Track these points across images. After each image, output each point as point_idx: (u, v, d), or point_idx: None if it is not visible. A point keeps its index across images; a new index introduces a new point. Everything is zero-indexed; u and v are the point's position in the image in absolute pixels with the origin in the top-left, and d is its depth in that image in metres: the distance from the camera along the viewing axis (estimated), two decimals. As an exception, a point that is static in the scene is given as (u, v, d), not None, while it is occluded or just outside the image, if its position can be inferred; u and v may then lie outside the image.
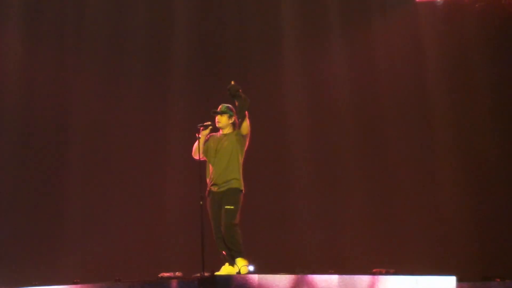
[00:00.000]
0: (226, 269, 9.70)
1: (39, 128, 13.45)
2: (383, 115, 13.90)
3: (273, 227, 13.39)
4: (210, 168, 10.00)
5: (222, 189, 9.83)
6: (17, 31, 13.56)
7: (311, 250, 13.19)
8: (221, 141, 9.98)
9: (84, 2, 13.85)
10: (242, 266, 9.53)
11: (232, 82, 9.83)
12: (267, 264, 10.29)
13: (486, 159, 13.80)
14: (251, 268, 9.73)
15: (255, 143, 13.55)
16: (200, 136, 9.95)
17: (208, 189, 9.92)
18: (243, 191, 9.90)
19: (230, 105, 10.02)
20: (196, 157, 10.03)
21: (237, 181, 9.83)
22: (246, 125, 9.94)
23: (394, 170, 13.75)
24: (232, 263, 9.64)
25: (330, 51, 14.03)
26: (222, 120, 10.05)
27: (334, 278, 8.96)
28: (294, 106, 13.90)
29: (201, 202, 9.71)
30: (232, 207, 9.68)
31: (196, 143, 9.96)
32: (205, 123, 10.03)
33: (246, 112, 9.86)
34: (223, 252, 9.74)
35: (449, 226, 13.47)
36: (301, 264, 11.49)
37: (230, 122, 10.04)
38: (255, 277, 9.05)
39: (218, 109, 10.07)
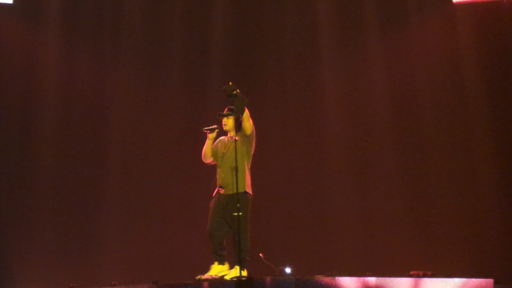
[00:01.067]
0: (216, 269, 9.77)
1: (78, 130, 13.51)
2: (421, 118, 13.80)
3: (309, 229, 13.37)
4: (218, 171, 10.06)
5: (228, 192, 9.87)
6: (55, 34, 13.64)
7: (347, 252, 13.15)
8: (227, 144, 10.02)
9: (122, 5, 13.91)
10: (234, 275, 9.56)
11: (230, 83, 9.81)
12: (303, 267, 10.29)
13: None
14: (288, 270, 9.75)
15: (292, 146, 13.66)
16: (207, 139, 10.02)
17: (216, 190, 9.97)
18: (251, 194, 9.93)
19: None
20: (205, 161, 10.10)
21: (243, 184, 9.84)
22: (248, 126, 9.97)
23: (432, 172, 13.66)
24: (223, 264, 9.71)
25: (367, 54, 13.98)
26: (229, 123, 10.13)
27: (371, 280, 8.96)
28: (331, 109, 13.87)
29: (238, 205, 9.74)
30: (241, 213, 9.69)
31: (204, 146, 10.02)
32: (210, 127, 10.08)
33: (247, 111, 9.83)
34: (261, 255, 9.78)
35: (488, 228, 13.36)
36: (338, 266, 11.50)
37: (237, 124, 10.08)
38: (292, 280, 9.07)
39: (224, 112, 10.12)
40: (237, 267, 9.56)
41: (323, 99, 13.90)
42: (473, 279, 9.29)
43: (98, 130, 13.60)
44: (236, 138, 9.84)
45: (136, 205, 13.39)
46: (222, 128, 10.21)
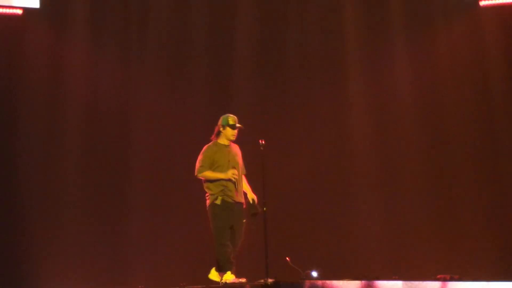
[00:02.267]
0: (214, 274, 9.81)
1: (104, 134, 13.58)
2: (447, 120, 13.78)
3: (335, 232, 13.35)
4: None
5: (242, 201, 9.93)
6: (81, 37, 13.72)
7: (374, 256, 13.13)
8: (230, 153, 9.99)
9: (147, 8, 13.95)
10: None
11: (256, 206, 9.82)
12: (330, 270, 10.27)
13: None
14: (315, 274, 9.75)
15: (318, 148, 13.64)
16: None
17: (232, 200, 9.90)
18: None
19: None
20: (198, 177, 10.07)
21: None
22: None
23: (458, 174, 13.61)
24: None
25: (393, 56, 13.95)
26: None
27: (398, 284, 8.94)
28: (356, 111, 13.85)
29: (264, 208, 9.75)
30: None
31: (212, 178, 9.90)
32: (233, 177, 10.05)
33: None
34: (287, 258, 9.78)
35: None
36: (365, 269, 11.48)
37: None
38: (319, 283, 9.06)
39: (237, 123, 10.07)
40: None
41: (348, 100, 13.88)
42: (505, 283, 9.25)
43: (124, 134, 13.66)
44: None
45: (163, 209, 13.41)
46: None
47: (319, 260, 9.98)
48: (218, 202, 9.80)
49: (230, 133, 9.96)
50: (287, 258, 10.13)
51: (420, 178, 13.61)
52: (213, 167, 9.87)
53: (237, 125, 9.98)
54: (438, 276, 9.82)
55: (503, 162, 13.56)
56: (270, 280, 9.15)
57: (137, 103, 13.77)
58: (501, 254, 13.04)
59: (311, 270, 9.90)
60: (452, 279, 9.60)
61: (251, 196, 9.92)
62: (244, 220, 9.81)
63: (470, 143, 13.69)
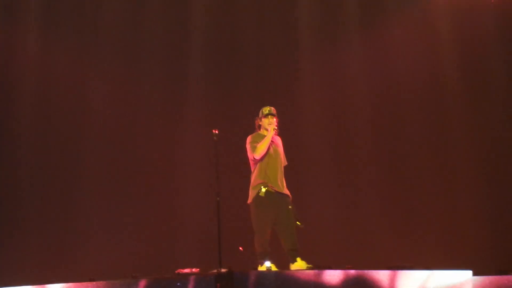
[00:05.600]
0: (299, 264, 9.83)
1: (56, 125, 13.50)
2: (402, 113, 13.91)
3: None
4: (264, 168, 10.07)
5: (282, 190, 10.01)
6: (34, 28, 13.59)
7: (327, 246, 13.20)
8: (272, 143, 10.10)
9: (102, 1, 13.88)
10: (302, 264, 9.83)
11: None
12: (284, 260, 10.29)
13: (502, 154, 13.80)
14: (268, 264, 9.77)
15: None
16: (266, 138, 10.19)
17: (265, 189, 9.98)
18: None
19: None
20: (259, 157, 10.13)
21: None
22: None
23: (409, 165, 13.76)
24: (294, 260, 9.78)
25: (346, 50, 14.04)
26: (275, 122, 10.20)
27: (351, 273, 8.98)
28: (311, 105, 13.90)
29: (217, 198, 9.76)
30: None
31: (264, 144, 10.05)
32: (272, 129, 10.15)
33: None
34: (240, 248, 9.79)
35: (465, 220, 13.47)
36: (318, 259, 11.52)
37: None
38: (272, 273, 9.08)
39: (268, 112, 10.20)
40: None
41: (302, 95, 13.93)
42: (452, 271, 9.35)
43: (78, 126, 13.59)
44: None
45: (115, 200, 13.36)
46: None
47: (272, 250, 9.97)
48: (261, 194, 10.07)
49: (266, 122, 10.30)
50: (240, 248, 10.13)
51: (373, 170, 13.75)
52: None
53: (271, 112, 10.29)
54: (390, 265, 9.89)
55: (457, 152, 13.73)
56: (223, 270, 9.15)
57: (91, 96, 13.68)
58: (452, 243, 13.22)
59: (264, 260, 9.90)
60: (403, 267, 9.65)
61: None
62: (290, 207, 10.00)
63: (422, 135, 13.83)
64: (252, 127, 10.49)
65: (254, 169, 10.22)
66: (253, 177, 10.21)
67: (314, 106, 13.90)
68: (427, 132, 13.85)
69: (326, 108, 13.93)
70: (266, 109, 10.35)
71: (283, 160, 10.34)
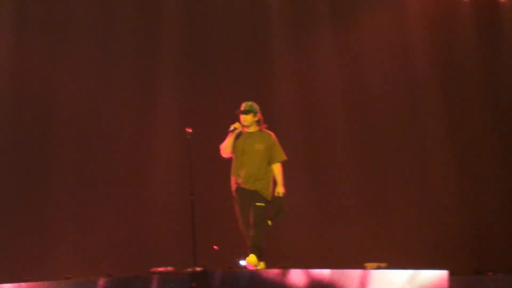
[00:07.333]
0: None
1: (27, 122, 13.39)
2: (375, 111, 13.92)
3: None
4: (235, 165, 10.04)
5: (252, 188, 9.93)
6: (4, 27, 13.49)
7: (302, 245, 13.17)
8: (247, 140, 10.04)
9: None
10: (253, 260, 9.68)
11: None
12: (274, 259, 10.30)
13: (479, 153, 13.85)
14: (243, 263, 9.74)
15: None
16: (229, 136, 10.04)
17: (236, 186, 9.96)
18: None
19: (253, 103, 10.08)
20: (225, 155, 10.11)
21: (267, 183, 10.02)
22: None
23: (385, 165, 13.78)
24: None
25: (318, 48, 14.03)
26: (248, 119, 10.17)
27: (325, 272, 8.95)
28: (283, 104, 13.87)
29: (191, 197, 9.75)
30: (262, 204, 9.89)
31: (225, 143, 10.00)
32: (232, 127, 10.06)
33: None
34: (215, 247, 9.76)
35: (441, 220, 13.51)
36: (294, 259, 11.50)
37: (255, 119, 10.18)
38: (247, 272, 9.05)
39: (242, 108, 10.11)
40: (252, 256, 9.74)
41: (276, 93, 13.90)
42: (428, 271, 9.32)
43: (47, 124, 13.47)
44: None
45: (88, 198, 13.27)
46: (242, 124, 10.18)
47: (247, 249, 9.94)
48: (233, 190, 10.14)
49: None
50: (215, 247, 10.10)
51: (347, 168, 13.75)
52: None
53: (240, 110, 10.17)
54: (365, 265, 9.88)
55: (430, 151, 13.78)
56: (198, 269, 9.11)
57: (61, 93, 13.57)
58: (427, 243, 13.24)
59: (240, 259, 9.89)
60: (379, 267, 9.65)
61: (277, 189, 10.07)
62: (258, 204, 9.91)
63: (397, 134, 13.86)
64: (219, 130, 10.44)
65: None
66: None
67: (287, 104, 13.86)
68: (402, 129, 13.87)
69: (299, 106, 13.90)
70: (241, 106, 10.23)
71: (269, 156, 10.16)
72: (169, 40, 13.87)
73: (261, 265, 9.78)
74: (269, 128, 10.35)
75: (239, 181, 10.00)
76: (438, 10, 14.01)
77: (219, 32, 13.99)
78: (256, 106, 10.19)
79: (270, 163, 10.13)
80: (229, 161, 10.19)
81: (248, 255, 9.73)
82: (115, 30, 13.80)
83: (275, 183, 10.13)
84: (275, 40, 14.05)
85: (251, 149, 10.06)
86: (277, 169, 10.15)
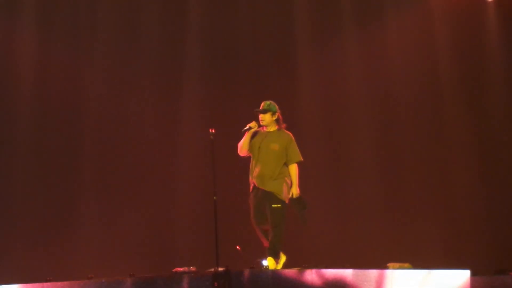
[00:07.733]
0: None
1: (52, 126, 13.47)
2: (399, 111, 13.90)
3: (287, 221, 13.37)
4: (252, 164, 10.08)
5: (267, 189, 9.92)
6: (31, 28, 13.56)
7: (325, 245, 13.18)
8: (264, 139, 10.04)
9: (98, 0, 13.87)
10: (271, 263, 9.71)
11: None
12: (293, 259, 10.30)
13: (501, 153, 13.80)
14: (265, 263, 9.75)
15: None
16: (246, 135, 10.05)
17: (252, 185, 9.99)
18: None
19: (271, 102, 10.07)
20: (241, 154, 10.13)
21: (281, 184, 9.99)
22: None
23: (408, 164, 13.75)
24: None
25: (344, 48, 14.02)
26: (266, 118, 10.13)
27: (348, 272, 8.96)
28: (308, 106, 13.89)
29: (214, 197, 9.76)
30: (279, 205, 9.86)
31: (241, 141, 10.02)
32: (247, 126, 10.08)
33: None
34: (238, 247, 9.78)
35: (464, 220, 13.48)
36: (316, 259, 11.51)
37: (274, 119, 10.14)
38: (269, 272, 9.06)
39: (261, 108, 10.11)
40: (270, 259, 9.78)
41: (299, 94, 13.91)
42: (450, 270, 9.33)
43: (74, 125, 13.56)
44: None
45: (111, 198, 13.34)
46: (259, 123, 10.19)
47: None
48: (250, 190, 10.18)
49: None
50: (237, 247, 10.12)
51: (371, 168, 13.74)
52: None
53: (258, 109, 10.16)
54: (388, 264, 9.88)
55: (453, 151, 13.74)
56: (220, 269, 9.13)
57: (86, 96, 13.65)
58: (451, 243, 13.22)
59: (262, 259, 9.90)
60: (401, 267, 9.65)
61: (292, 190, 10.06)
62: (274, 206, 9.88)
63: (421, 133, 13.83)
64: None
65: None
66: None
67: (311, 105, 13.87)
68: (425, 131, 13.86)
69: (323, 106, 13.90)
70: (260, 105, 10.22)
71: (285, 156, 10.11)
72: (193, 42, 13.91)
73: (282, 259, 9.79)
74: (293, 129, 10.34)
75: (254, 180, 10.01)
76: (463, 12, 13.97)
77: (243, 34, 14.02)
78: (274, 105, 10.14)
79: (286, 163, 10.13)
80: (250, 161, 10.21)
81: (267, 256, 9.75)
82: (140, 32, 13.85)
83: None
84: (299, 42, 14.06)
85: (267, 149, 10.03)
86: (293, 169, 10.11)
